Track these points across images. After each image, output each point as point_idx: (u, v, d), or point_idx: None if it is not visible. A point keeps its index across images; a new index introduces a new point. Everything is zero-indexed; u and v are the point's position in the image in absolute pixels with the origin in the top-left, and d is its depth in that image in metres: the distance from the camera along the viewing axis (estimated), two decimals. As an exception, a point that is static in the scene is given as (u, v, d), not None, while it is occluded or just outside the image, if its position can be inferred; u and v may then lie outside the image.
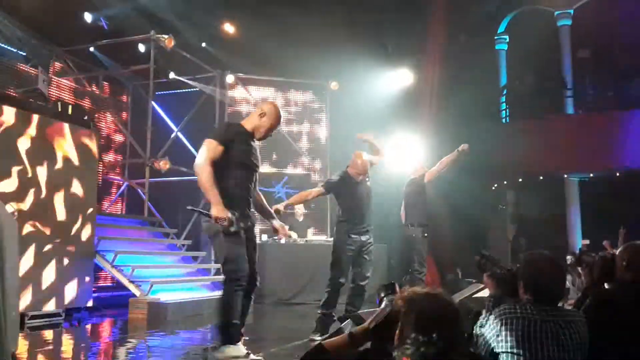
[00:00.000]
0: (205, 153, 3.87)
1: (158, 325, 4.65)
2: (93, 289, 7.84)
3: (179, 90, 11.42)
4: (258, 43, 10.75)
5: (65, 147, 7.29)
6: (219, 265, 9.57)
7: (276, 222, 4.42)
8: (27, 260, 6.46)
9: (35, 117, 6.91)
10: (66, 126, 7.39)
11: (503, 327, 2.39)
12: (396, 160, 9.39)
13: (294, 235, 9.38)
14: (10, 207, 6.14)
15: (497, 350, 2.41)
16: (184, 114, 10.84)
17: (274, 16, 10.43)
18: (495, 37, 14.38)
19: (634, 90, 12.71)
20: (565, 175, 12.81)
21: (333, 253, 5.37)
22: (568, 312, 2.56)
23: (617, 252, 3.11)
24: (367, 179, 5.45)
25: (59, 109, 8.24)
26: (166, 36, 9.52)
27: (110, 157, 11.17)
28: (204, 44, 11.07)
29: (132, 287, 7.29)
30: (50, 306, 6.77)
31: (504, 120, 14.02)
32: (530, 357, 2.32)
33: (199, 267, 9.21)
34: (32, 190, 6.72)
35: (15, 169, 6.52)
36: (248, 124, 4.12)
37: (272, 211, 4.41)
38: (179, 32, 9.92)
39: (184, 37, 10.13)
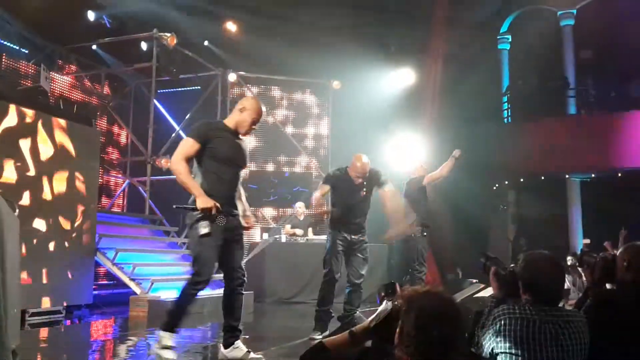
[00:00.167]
0: (181, 150, 3.94)
1: (158, 323, 4.68)
2: (93, 287, 7.85)
3: (180, 89, 11.43)
4: (260, 42, 10.76)
5: (67, 144, 7.30)
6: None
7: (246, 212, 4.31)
8: (28, 257, 6.46)
9: (38, 115, 6.92)
10: (68, 123, 7.40)
11: (502, 328, 2.39)
12: (397, 160, 9.42)
13: (299, 232, 9.43)
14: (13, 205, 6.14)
15: (496, 350, 2.41)
16: (185, 112, 10.85)
17: (276, 15, 10.43)
18: (498, 37, 14.37)
19: (637, 90, 12.69)
20: (567, 176, 12.80)
21: (325, 249, 5.41)
22: (568, 313, 2.55)
23: (618, 252, 3.10)
24: (364, 189, 5.34)
25: (61, 107, 8.26)
26: (169, 34, 9.53)
27: (111, 154, 11.18)
28: (206, 43, 11.07)
29: (132, 285, 7.30)
30: (50, 303, 6.78)
31: (505, 120, 14.01)
32: (529, 358, 2.32)
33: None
34: (33, 188, 6.72)
35: (16, 166, 6.53)
36: (230, 121, 4.13)
37: (246, 209, 4.30)
38: (182, 31, 9.93)
39: (186, 35, 10.14)
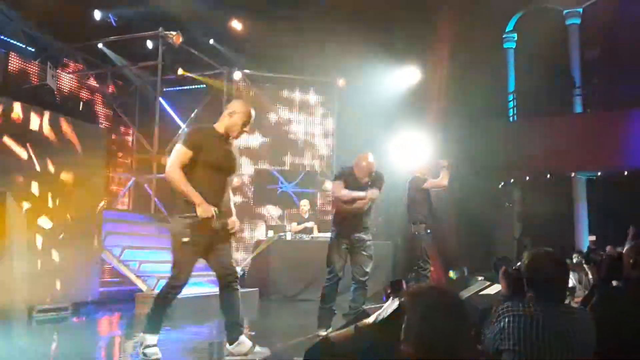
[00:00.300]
0: (175, 159, 3.98)
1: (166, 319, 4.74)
2: (100, 284, 7.89)
3: (186, 87, 11.45)
4: (266, 40, 10.76)
5: (73, 142, 7.33)
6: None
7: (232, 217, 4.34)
8: (34, 255, 6.49)
9: (44, 113, 6.95)
10: (74, 121, 7.43)
11: (506, 325, 2.39)
12: (402, 158, 9.41)
13: (309, 224, 9.46)
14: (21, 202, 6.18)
15: (500, 347, 2.41)
16: (191, 110, 10.87)
17: (282, 13, 10.43)
18: (504, 36, 14.33)
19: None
20: (573, 174, 12.76)
21: (328, 248, 5.39)
22: (574, 310, 2.56)
23: (624, 250, 3.11)
24: (369, 185, 5.32)
25: (68, 105, 8.29)
26: (174, 33, 9.55)
27: (117, 152, 11.21)
28: (211, 41, 11.08)
29: (138, 282, 7.32)
30: (57, 300, 6.80)
31: (511, 118, 13.98)
32: (532, 354, 2.32)
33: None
34: (40, 186, 6.75)
35: (23, 164, 6.56)
36: (220, 126, 4.17)
37: (232, 214, 4.31)
38: (187, 29, 9.94)
39: (191, 34, 10.15)
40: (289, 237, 9.35)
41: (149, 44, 10.20)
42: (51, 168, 6.93)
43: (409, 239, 6.83)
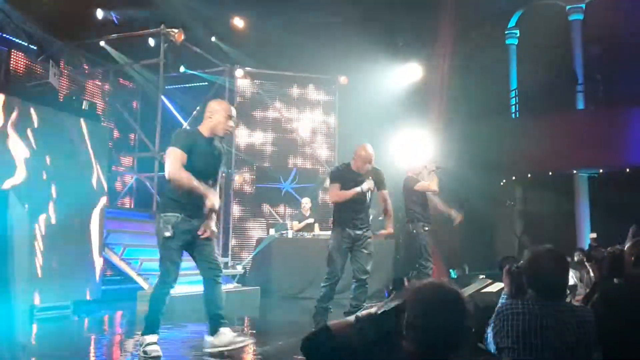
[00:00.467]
0: (175, 161, 4.05)
1: (166, 318, 4.71)
2: (101, 282, 7.89)
3: (188, 85, 11.45)
4: (267, 37, 10.75)
5: (75, 140, 7.33)
6: (227, 259, 9.69)
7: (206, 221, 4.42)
8: (36, 253, 6.50)
9: (47, 111, 6.95)
10: (76, 119, 7.43)
11: (505, 323, 2.40)
12: (404, 156, 9.39)
13: (309, 220, 9.47)
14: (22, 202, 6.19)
15: (500, 345, 2.41)
16: (193, 108, 10.87)
17: (283, 11, 10.42)
18: (506, 32, 14.30)
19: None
20: (575, 171, 12.74)
21: (329, 247, 5.36)
22: (574, 307, 2.55)
23: (626, 247, 3.10)
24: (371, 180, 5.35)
25: (70, 103, 8.29)
26: (176, 30, 9.54)
27: (119, 150, 11.21)
28: (213, 38, 11.08)
29: (140, 280, 7.33)
30: (58, 299, 6.81)
31: (513, 115, 13.96)
32: (530, 353, 2.32)
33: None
34: (41, 183, 6.76)
35: (25, 162, 6.56)
36: (204, 129, 4.27)
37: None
38: (189, 27, 9.93)
39: (193, 31, 10.14)
40: (290, 235, 9.35)
41: (151, 42, 10.20)
42: (53, 166, 6.93)
43: (408, 237, 6.81)
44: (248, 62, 11.31)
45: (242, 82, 11.39)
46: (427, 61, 11.63)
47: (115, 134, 10.98)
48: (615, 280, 3.37)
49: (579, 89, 13.25)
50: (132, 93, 11.37)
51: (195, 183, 4.04)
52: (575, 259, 7.86)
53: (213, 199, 4.08)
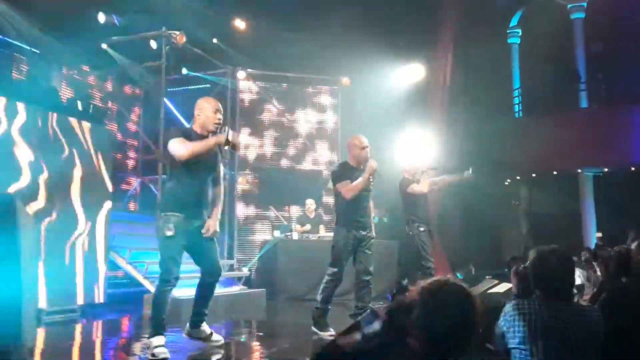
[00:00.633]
0: (179, 144, 4.16)
1: (172, 321, 4.72)
2: (107, 285, 7.90)
3: (190, 87, 11.45)
4: (269, 39, 10.75)
5: (79, 143, 7.34)
6: (233, 262, 9.69)
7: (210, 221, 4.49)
8: (42, 257, 6.52)
9: (49, 114, 6.97)
10: (79, 122, 7.44)
11: (513, 323, 2.40)
12: (407, 156, 9.38)
13: (307, 227, 9.47)
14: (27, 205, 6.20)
15: (508, 346, 2.42)
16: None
17: (285, 12, 10.43)
18: (508, 31, 14.29)
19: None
20: (580, 170, 12.72)
21: (333, 248, 5.34)
22: (580, 307, 2.55)
23: (633, 246, 3.09)
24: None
25: (73, 106, 8.30)
26: (178, 32, 9.55)
27: (123, 153, 11.23)
28: (215, 40, 11.08)
29: (146, 284, 7.33)
30: (65, 302, 6.82)
31: (516, 114, 13.95)
32: (538, 352, 2.32)
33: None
34: (46, 187, 6.77)
35: (29, 165, 6.58)
36: (197, 127, 4.41)
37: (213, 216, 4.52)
38: (191, 29, 9.94)
39: (195, 33, 10.15)
40: (295, 236, 9.35)
41: (153, 44, 10.21)
42: (58, 169, 6.94)
43: (407, 239, 6.82)
44: (250, 63, 11.31)
45: (244, 83, 11.39)
46: (429, 61, 11.61)
47: (118, 136, 11.00)
48: (622, 279, 3.36)
49: (581, 88, 13.23)
50: (134, 95, 11.38)
51: (202, 142, 4.19)
52: (583, 258, 7.85)
53: (217, 138, 4.21)
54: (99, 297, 7.45)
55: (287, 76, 11.49)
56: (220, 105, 4.49)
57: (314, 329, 5.19)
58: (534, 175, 13.23)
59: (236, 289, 8.40)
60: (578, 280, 6.02)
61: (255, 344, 5.43)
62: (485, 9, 12.32)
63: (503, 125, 12.75)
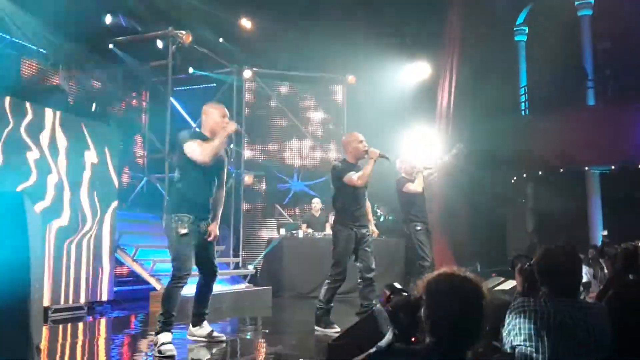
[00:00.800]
0: (197, 146, 4.34)
1: (179, 318, 4.75)
2: (114, 283, 7.94)
3: (197, 86, 11.48)
4: (274, 37, 10.75)
5: (86, 142, 7.38)
6: (238, 259, 9.72)
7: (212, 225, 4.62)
8: (49, 255, 6.56)
9: (57, 114, 7.01)
10: (86, 122, 7.48)
11: (518, 321, 2.39)
12: (413, 154, 9.37)
13: (310, 231, 9.48)
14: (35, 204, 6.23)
15: (514, 343, 2.41)
16: (201, 109, 10.86)
17: (290, 10, 10.43)
18: (514, 29, 14.23)
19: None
20: (586, 168, 12.66)
21: (334, 249, 5.34)
22: (588, 304, 2.54)
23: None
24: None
25: (80, 106, 8.35)
26: (184, 32, 9.57)
27: (130, 152, 11.26)
28: (221, 39, 11.10)
29: (153, 281, 7.36)
30: (72, 300, 6.87)
31: (523, 112, 13.90)
32: (543, 350, 2.31)
33: (219, 261, 9.12)
34: (53, 186, 6.81)
35: (36, 165, 6.61)
36: (206, 131, 4.57)
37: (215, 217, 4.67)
38: (197, 28, 9.96)
39: (201, 32, 10.17)
40: (301, 234, 9.37)
41: (159, 44, 10.23)
42: (63, 168, 6.98)
43: (405, 238, 6.81)
44: (256, 62, 11.32)
45: (250, 82, 11.40)
46: (435, 59, 11.58)
47: (125, 135, 11.02)
48: (629, 276, 3.35)
49: (588, 85, 13.16)
50: (141, 95, 11.40)
51: (218, 138, 4.35)
52: (590, 255, 7.82)
53: (229, 127, 4.40)
54: (106, 294, 7.49)
55: (292, 75, 11.49)
56: (225, 109, 4.64)
57: (317, 327, 5.20)
58: (540, 172, 13.19)
59: (242, 286, 8.43)
60: (584, 278, 6.00)
61: (261, 341, 5.44)
62: (492, 6, 12.27)
63: (509, 123, 12.70)
